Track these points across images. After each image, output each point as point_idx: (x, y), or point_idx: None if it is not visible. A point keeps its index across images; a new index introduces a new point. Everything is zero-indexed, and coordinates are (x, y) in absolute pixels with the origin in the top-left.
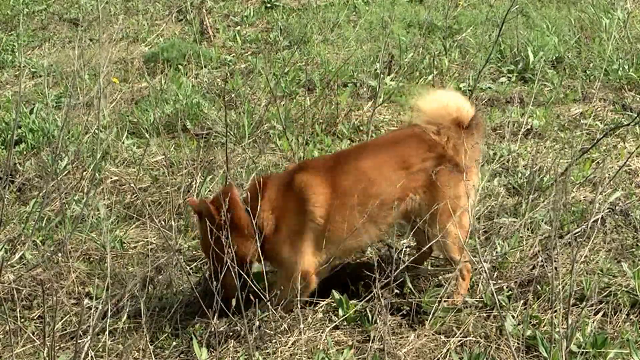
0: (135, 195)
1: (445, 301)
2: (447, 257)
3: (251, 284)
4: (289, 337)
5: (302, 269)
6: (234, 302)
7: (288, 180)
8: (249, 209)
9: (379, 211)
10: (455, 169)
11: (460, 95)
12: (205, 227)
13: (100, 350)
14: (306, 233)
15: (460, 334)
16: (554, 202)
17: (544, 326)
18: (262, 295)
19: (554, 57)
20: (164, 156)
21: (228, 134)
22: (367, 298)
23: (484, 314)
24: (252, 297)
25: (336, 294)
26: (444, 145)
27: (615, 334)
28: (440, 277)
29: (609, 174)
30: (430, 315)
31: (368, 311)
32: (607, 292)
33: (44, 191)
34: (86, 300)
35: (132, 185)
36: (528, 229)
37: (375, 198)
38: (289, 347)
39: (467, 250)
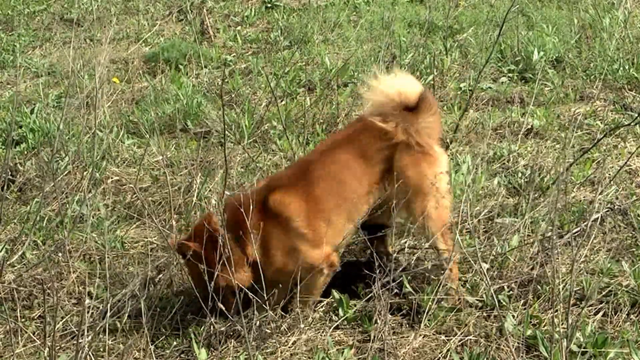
0: (135, 195)
1: (443, 299)
2: (432, 244)
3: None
4: (289, 336)
5: (313, 261)
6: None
7: (263, 202)
8: (232, 235)
9: (355, 208)
10: (412, 150)
11: (404, 78)
12: (192, 267)
13: (101, 350)
14: (299, 242)
15: (461, 333)
16: (554, 202)
17: (544, 326)
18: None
19: (555, 57)
20: (164, 156)
21: (228, 134)
22: (367, 298)
23: (484, 314)
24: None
25: (336, 294)
26: (393, 131)
27: (616, 333)
28: (440, 276)
29: (609, 174)
30: (425, 314)
31: (368, 311)
32: (607, 291)
33: (44, 191)
34: (87, 300)
35: (133, 185)
36: (528, 229)
37: (349, 197)
38: (289, 347)
39: (450, 236)
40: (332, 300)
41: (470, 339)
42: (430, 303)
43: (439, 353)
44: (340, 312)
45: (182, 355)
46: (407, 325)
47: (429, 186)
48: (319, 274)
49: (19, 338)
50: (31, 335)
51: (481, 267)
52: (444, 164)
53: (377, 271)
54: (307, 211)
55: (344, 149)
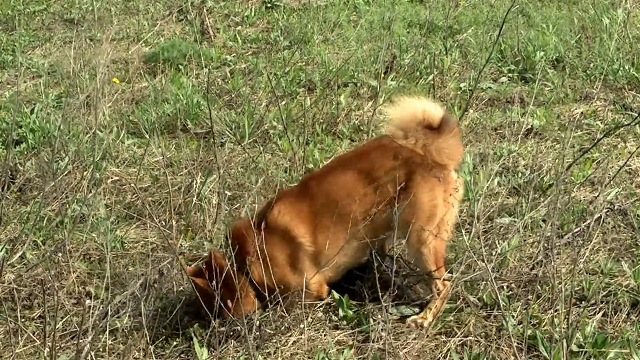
0: (135, 195)
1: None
2: (423, 270)
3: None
4: (289, 336)
5: (313, 291)
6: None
7: (266, 223)
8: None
9: (357, 227)
10: (430, 170)
11: (425, 101)
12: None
13: (101, 350)
14: (303, 261)
15: (461, 333)
16: (554, 202)
17: (545, 326)
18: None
19: (555, 57)
20: (164, 156)
21: (228, 134)
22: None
23: (484, 314)
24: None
25: (336, 294)
26: (412, 147)
27: (616, 333)
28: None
29: (609, 174)
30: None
31: (368, 311)
32: (608, 291)
33: (44, 191)
34: (87, 301)
35: (133, 185)
36: (528, 229)
37: (349, 216)
38: (289, 347)
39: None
40: (332, 300)
41: (470, 339)
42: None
43: (439, 353)
44: (340, 312)
45: (181, 356)
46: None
47: (435, 214)
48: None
49: (19, 338)
50: (31, 335)
51: (480, 267)
52: (457, 194)
53: (377, 272)
54: (310, 228)
55: (350, 167)
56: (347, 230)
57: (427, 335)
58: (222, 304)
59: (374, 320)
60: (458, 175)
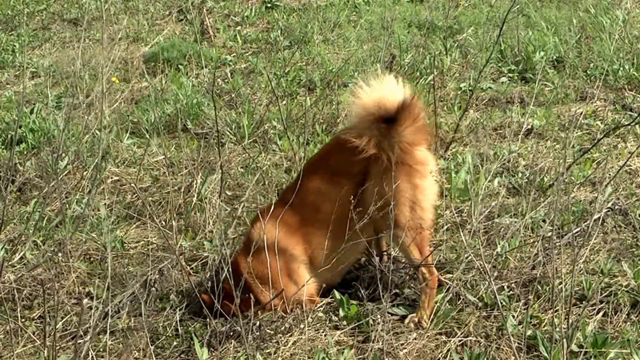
0: (135, 195)
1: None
2: (407, 259)
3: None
4: (290, 337)
5: (305, 300)
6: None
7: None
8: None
9: (340, 228)
10: (383, 165)
11: (386, 85)
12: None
13: (101, 350)
14: (300, 272)
15: (461, 333)
16: (554, 202)
17: (545, 326)
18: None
19: (555, 57)
20: (164, 156)
21: (228, 134)
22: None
23: (485, 314)
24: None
25: (337, 294)
26: (365, 146)
27: (616, 333)
28: (441, 277)
29: (610, 174)
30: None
31: (368, 311)
32: (608, 292)
33: (44, 191)
34: (86, 300)
35: (133, 185)
36: (528, 229)
37: (329, 218)
38: (290, 347)
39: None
40: (333, 300)
41: (471, 339)
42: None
43: (439, 353)
44: (341, 312)
45: (182, 356)
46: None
47: (403, 198)
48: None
49: (19, 338)
50: (31, 335)
51: (481, 267)
52: (426, 174)
53: (378, 272)
54: (299, 236)
55: (317, 170)
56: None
57: (427, 336)
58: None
59: (374, 321)
60: (425, 156)
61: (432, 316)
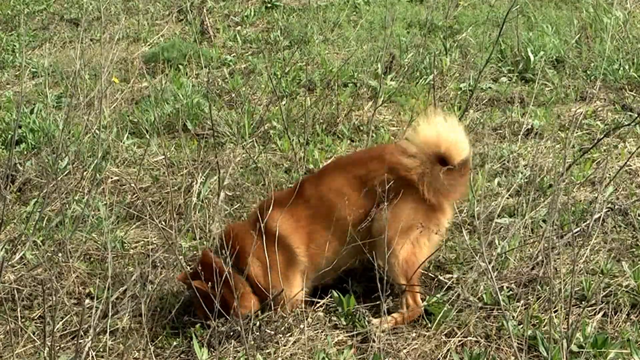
0: (135, 195)
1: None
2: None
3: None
4: (289, 336)
5: (292, 300)
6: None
7: (261, 229)
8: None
9: (344, 233)
10: (416, 196)
11: (458, 132)
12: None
13: (101, 350)
14: (296, 270)
15: (461, 334)
16: (554, 202)
17: (545, 326)
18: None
19: (555, 57)
20: (164, 156)
21: (228, 134)
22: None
23: (485, 314)
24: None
25: (336, 294)
26: (410, 169)
27: (616, 334)
28: (442, 277)
29: (610, 174)
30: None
31: (368, 311)
32: (608, 292)
33: (44, 191)
34: (87, 300)
35: (133, 185)
36: (528, 229)
37: (341, 221)
38: (289, 347)
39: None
40: (332, 300)
41: (471, 339)
42: (432, 304)
43: (439, 353)
44: (340, 312)
45: (182, 356)
46: (408, 326)
47: (410, 230)
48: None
49: (19, 338)
50: (31, 335)
51: (480, 267)
52: (442, 223)
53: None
54: (303, 235)
55: (344, 172)
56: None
57: (427, 336)
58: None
59: (368, 322)
60: (451, 211)
61: (429, 315)
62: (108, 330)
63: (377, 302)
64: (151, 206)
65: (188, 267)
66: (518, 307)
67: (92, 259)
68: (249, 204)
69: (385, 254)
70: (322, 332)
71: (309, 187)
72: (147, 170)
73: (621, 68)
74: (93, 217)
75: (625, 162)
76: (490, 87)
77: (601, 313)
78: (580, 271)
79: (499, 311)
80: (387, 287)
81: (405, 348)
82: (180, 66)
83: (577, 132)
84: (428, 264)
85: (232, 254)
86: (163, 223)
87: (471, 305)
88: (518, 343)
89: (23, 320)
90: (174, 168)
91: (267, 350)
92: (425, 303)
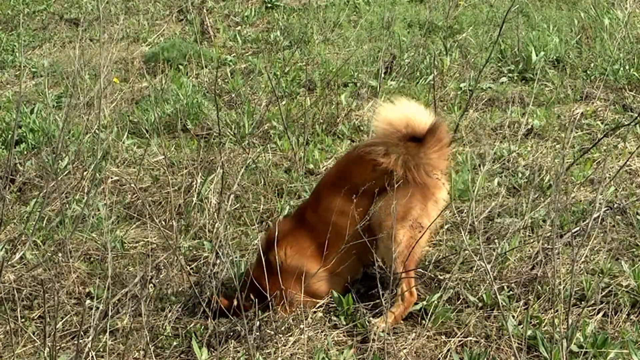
0: (135, 195)
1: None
2: (389, 267)
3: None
4: (289, 337)
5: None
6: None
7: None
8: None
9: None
10: (406, 184)
11: (413, 107)
12: None
13: (101, 350)
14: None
15: (461, 334)
16: (554, 202)
17: (545, 326)
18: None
19: (555, 57)
20: (164, 156)
21: (229, 134)
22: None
23: (485, 314)
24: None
25: (336, 294)
26: (390, 164)
27: (616, 334)
28: (441, 276)
29: (610, 174)
30: (428, 314)
31: (368, 310)
32: (608, 292)
33: (44, 191)
34: (87, 301)
35: (133, 185)
36: (528, 229)
37: (344, 235)
38: (289, 347)
39: (414, 275)
40: (332, 300)
41: (471, 340)
42: (432, 304)
43: (439, 353)
44: (340, 312)
45: (182, 356)
46: (408, 325)
47: (409, 214)
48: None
49: (19, 338)
50: (31, 335)
51: (479, 267)
52: (439, 200)
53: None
54: (313, 255)
55: (336, 191)
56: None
57: (427, 336)
58: None
59: (368, 322)
60: (444, 181)
61: (429, 315)
62: (108, 330)
63: (377, 301)
64: (151, 206)
65: (188, 267)
66: (518, 307)
67: (92, 259)
68: (249, 204)
69: (385, 242)
70: (322, 332)
71: (309, 213)
72: (147, 170)
73: (621, 68)
74: (93, 217)
75: (625, 162)
76: (490, 87)
77: (601, 313)
78: (580, 271)
79: (499, 311)
80: (389, 288)
81: (405, 348)
82: (181, 66)
83: (577, 132)
84: (428, 262)
85: None
86: (163, 223)
87: (471, 305)
88: (518, 343)
89: (23, 320)
90: (174, 168)
91: (267, 351)
92: (425, 302)
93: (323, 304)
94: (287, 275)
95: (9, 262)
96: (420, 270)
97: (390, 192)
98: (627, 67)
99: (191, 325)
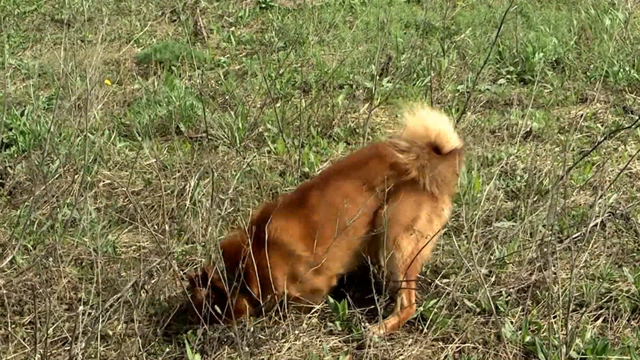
0: (127, 199)
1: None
2: (389, 273)
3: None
4: (284, 342)
5: (317, 287)
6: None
7: (264, 235)
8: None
9: (354, 236)
10: (418, 189)
11: (448, 122)
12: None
13: (93, 356)
14: (303, 269)
15: (459, 340)
16: (553, 206)
17: (544, 332)
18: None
19: (554, 58)
20: (156, 159)
21: (222, 136)
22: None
23: (482, 320)
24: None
25: (331, 299)
26: (409, 163)
27: (616, 340)
28: (438, 282)
29: (610, 178)
30: (422, 320)
31: (364, 317)
32: (608, 297)
33: (34, 195)
34: (80, 307)
35: (125, 188)
36: (527, 234)
37: (347, 225)
38: (284, 353)
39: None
40: (327, 305)
41: (468, 346)
42: (429, 309)
43: (436, 359)
44: (336, 318)
45: None
46: (405, 331)
47: (415, 225)
48: (318, 294)
49: (9, 344)
50: (21, 341)
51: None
52: (444, 216)
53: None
54: (306, 238)
55: (348, 175)
56: (346, 239)
57: (424, 342)
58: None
59: (364, 328)
60: (450, 202)
61: (427, 321)
62: (99, 336)
63: (373, 307)
64: (143, 210)
65: (181, 272)
66: (517, 312)
67: (83, 264)
68: (243, 207)
69: (390, 249)
70: (317, 338)
71: (315, 195)
72: (139, 173)
73: (622, 69)
74: (84, 221)
75: (626, 166)
76: (488, 89)
77: (601, 319)
78: (580, 276)
79: (497, 317)
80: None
81: (401, 354)
82: (173, 67)
83: (576, 135)
84: (425, 268)
85: None
86: (155, 227)
87: (469, 310)
88: (516, 350)
89: (13, 326)
90: (167, 171)
91: (261, 357)
92: (422, 308)
93: (318, 309)
94: (273, 251)
95: None
96: (417, 275)
97: (399, 197)
98: (627, 69)
99: (184, 331)
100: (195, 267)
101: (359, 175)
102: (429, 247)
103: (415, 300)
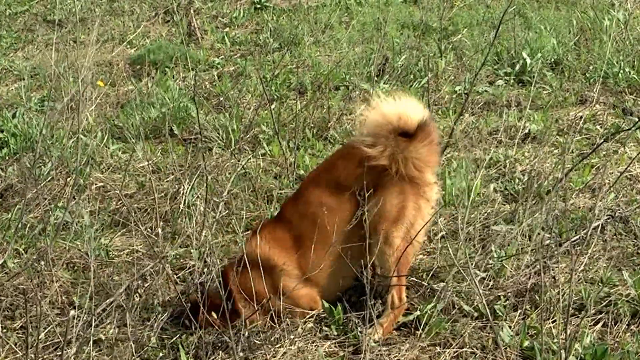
0: (120, 201)
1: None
2: (385, 271)
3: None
4: (279, 347)
5: (307, 305)
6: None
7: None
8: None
9: (341, 241)
10: (395, 179)
11: (407, 101)
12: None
13: None
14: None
15: (456, 344)
16: (552, 209)
17: (542, 337)
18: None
19: (553, 60)
20: (150, 162)
21: (216, 138)
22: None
23: (480, 324)
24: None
25: (326, 304)
26: (377, 156)
27: (616, 344)
28: (436, 286)
29: (609, 180)
30: (421, 325)
31: (360, 322)
32: (607, 301)
33: (26, 197)
34: (72, 312)
35: (118, 191)
36: (525, 237)
37: (331, 232)
38: (279, 358)
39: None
40: (323, 310)
41: (466, 350)
42: (426, 313)
43: None
44: (331, 323)
45: None
46: (401, 336)
47: (404, 216)
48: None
49: (1, 349)
50: (13, 346)
51: (474, 276)
52: (432, 197)
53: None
54: (292, 253)
55: (321, 182)
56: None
57: (421, 346)
58: None
59: (360, 332)
60: (435, 180)
61: (423, 326)
62: (92, 341)
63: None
64: (137, 213)
65: (175, 275)
66: (515, 317)
67: (75, 268)
68: (237, 211)
69: (383, 247)
70: (312, 342)
71: (290, 208)
72: (132, 176)
73: (621, 71)
74: (77, 225)
75: (626, 168)
76: (486, 90)
77: (600, 323)
78: (579, 280)
79: (495, 322)
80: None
81: (398, 359)
82: (167, 69)
83: (575, 137)
84: (422, 272)
85: None
86: (149, 230)
87: (466, 315)
88: (514, 354)
89: (4, 330)
90: (161, 174)
91: None
92: (419, 312)
93: (313, 314)
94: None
95: None
96: (414, 279)
97: (380, 191)
98: (626, 70)
99: (177, 336)
100: (189, 271)
101: (329, 179)
102: (420, 236)
103: (409, 297)
